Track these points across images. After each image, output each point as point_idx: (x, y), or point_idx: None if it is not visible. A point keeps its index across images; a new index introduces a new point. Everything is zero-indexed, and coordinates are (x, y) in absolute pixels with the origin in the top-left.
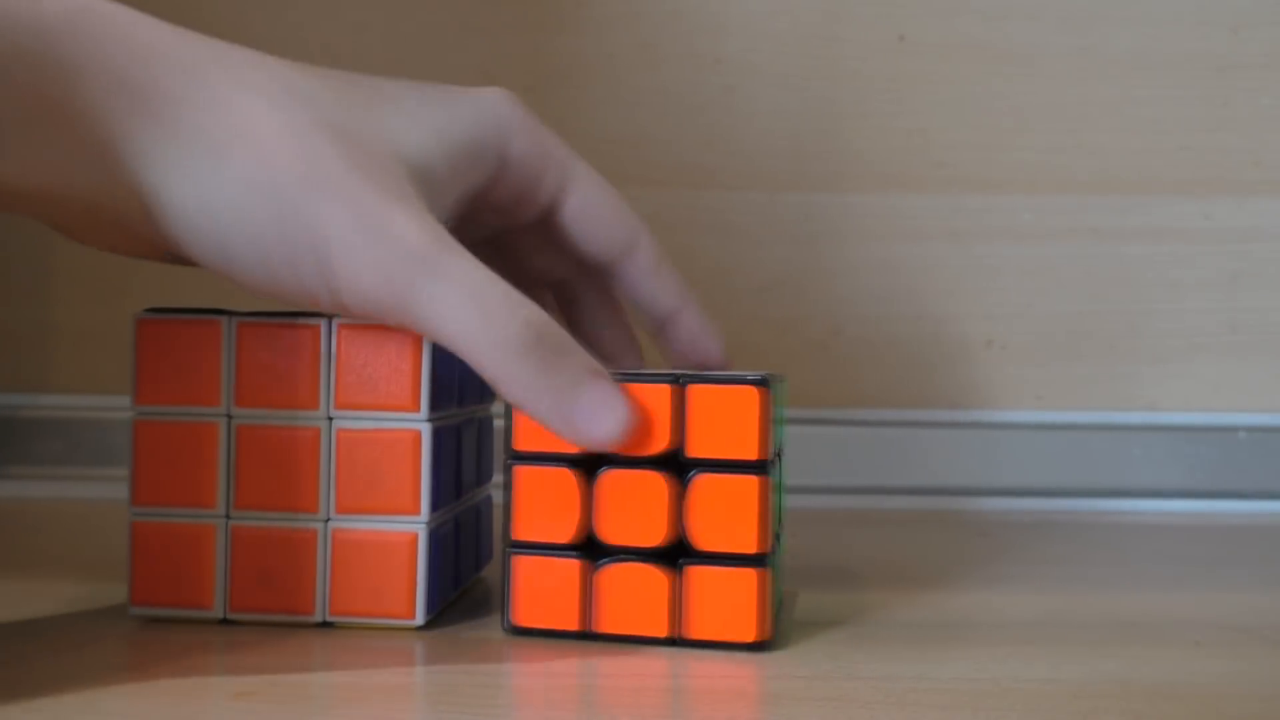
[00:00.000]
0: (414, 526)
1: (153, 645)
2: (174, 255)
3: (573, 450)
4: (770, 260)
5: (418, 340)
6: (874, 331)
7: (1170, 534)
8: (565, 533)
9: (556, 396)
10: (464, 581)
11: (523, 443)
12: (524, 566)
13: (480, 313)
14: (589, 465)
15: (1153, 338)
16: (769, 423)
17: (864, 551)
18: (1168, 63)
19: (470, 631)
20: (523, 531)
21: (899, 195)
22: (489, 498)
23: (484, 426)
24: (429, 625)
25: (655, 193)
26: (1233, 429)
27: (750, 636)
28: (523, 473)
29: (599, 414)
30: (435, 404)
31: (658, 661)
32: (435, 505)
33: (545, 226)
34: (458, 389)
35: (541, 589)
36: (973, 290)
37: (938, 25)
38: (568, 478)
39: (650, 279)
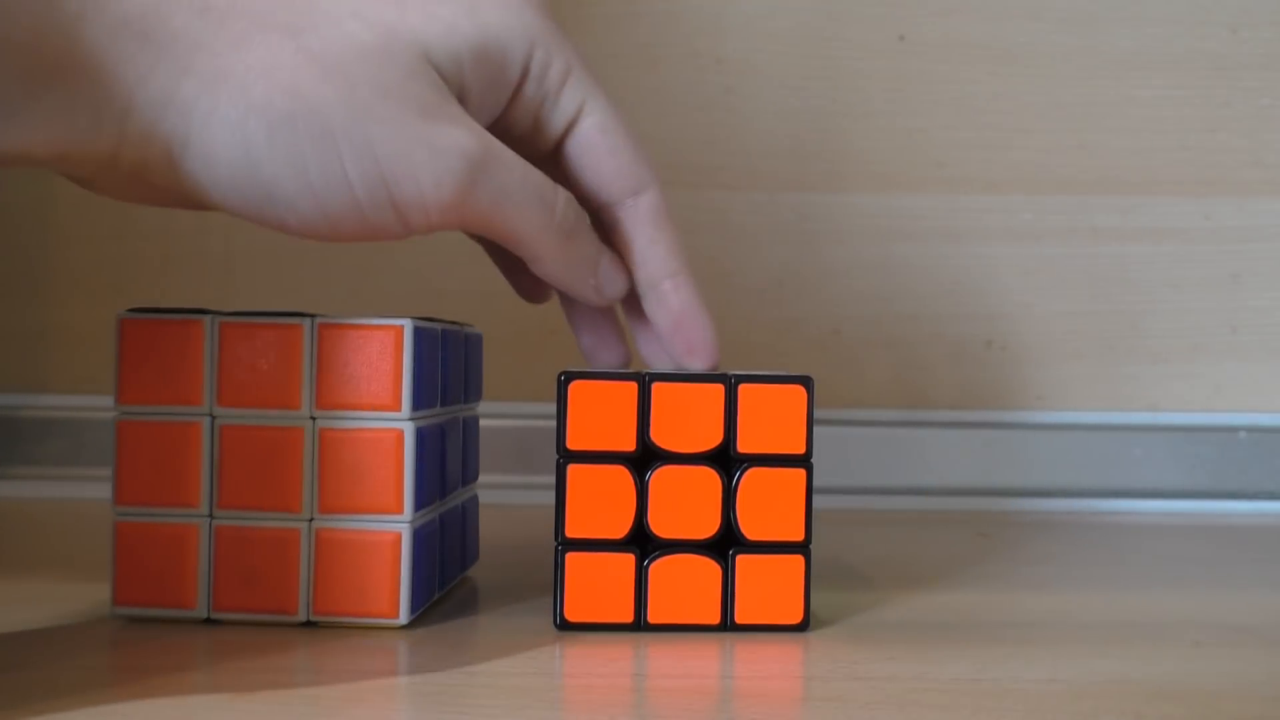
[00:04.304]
0: (398, 526)
1: (144, 645)
2: (199, 202)
3: (627, 449)
4: (770, 260)
5: (399, 339)
6: (874, 331)
7: (1170, 534)
8: (620, 528)
9: (589, 266)
10: (449, 581)
11: (576, 442)
12: (576, 563)
13: (538, 202)
14: (641, 462)
15: (1153, 338)
16: (813, 418)
17: (863, 552)
18: (1168, 63)
19: (461, 630)
20: (575, 529)
21: (899, 195)
22: (475, 497)
23: (469, 426)
24: (412, 624)
25: None
26: (1233, 429)
27: (797, 619)
28: (576, 471)
29: (614, 277)
30: (418, 403)
31: (649, 661)
32: (419, 504)
33: (555, 155)
34: (441, 388)
35: (594, 584)
36: (973, 290)
37: (938, 25)
38: (623, 474)
39: (649, 229)
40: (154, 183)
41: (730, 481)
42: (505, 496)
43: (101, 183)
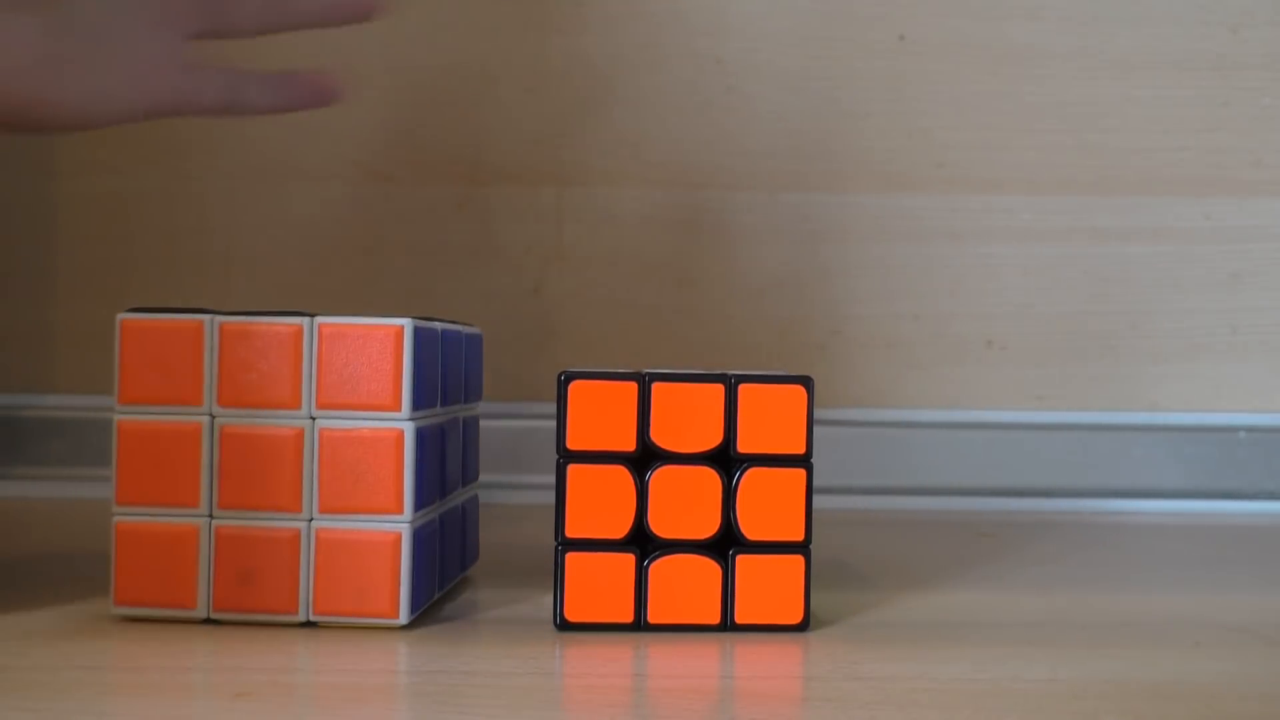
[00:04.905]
0: (398, 526)
1: (142, 645)
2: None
3: (627, 449)
4: (770, 260)
5: (399, 340)
6: (874, 331)
7: (1170, 534)
8: (620, 528)
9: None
10: (449, 581)
11: (576, 442)
12: (576, 563)
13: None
14: (641, 462)
15: (1153, 338)
16: (813, 419)
17: (863, 552)
18: (1168, 63)
19: (460, 630)
20: (575, 529)
21: (899, 195)
22: (475, 497)
23: (469, 426)
24: (412, 624)
25: (655, 193)
26: (1233, 429)
27: (797, 619)
28: (576, 471)
29: None
30: (418, 403)
31: (649, 661)
32: (419, 504)
33: None
34: (441, 389)
35: (594, 584)
36: (973, 290)
37: (938, 25)
38: (622, 475)
39: None
40: None
41: (730, 481)
42: (505, 496)
43: None
